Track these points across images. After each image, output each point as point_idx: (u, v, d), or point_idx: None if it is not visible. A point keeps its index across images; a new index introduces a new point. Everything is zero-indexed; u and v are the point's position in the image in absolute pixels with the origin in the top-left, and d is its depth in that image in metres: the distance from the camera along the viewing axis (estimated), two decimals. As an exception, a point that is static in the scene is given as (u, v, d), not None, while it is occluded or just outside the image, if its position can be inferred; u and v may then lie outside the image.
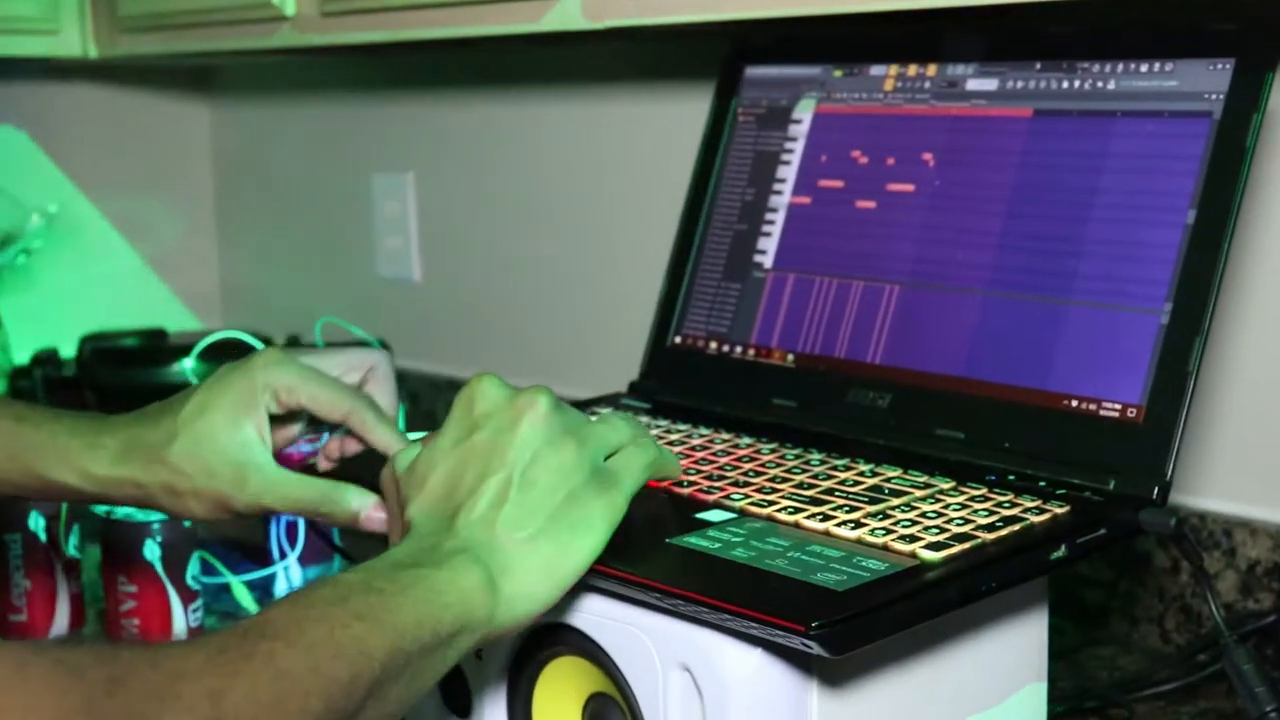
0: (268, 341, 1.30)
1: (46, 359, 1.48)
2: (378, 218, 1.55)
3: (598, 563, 0.65)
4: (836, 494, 0.73)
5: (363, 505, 0.74)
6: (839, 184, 0.90)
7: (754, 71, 0.96)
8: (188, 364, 1.32)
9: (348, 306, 1.58)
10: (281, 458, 0.78)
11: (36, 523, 1.06)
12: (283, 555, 1.15)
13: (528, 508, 0.64)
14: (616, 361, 1.06)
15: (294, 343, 1.48)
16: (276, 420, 0.77)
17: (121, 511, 1.03)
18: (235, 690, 0.50)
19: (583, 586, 0.66)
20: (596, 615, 0.68)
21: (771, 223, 0.93)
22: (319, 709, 0.53)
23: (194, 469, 0.74)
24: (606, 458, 0.67)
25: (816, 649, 0.58)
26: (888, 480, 0.75)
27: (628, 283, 1.27)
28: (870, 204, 0.88)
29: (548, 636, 0.71)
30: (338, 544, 1.00)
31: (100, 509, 1.03)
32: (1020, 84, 0.83)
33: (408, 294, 1.53)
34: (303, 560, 1.15)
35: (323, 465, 0.80)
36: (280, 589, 1.14)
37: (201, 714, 0.48)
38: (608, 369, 1.10)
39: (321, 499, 0.74)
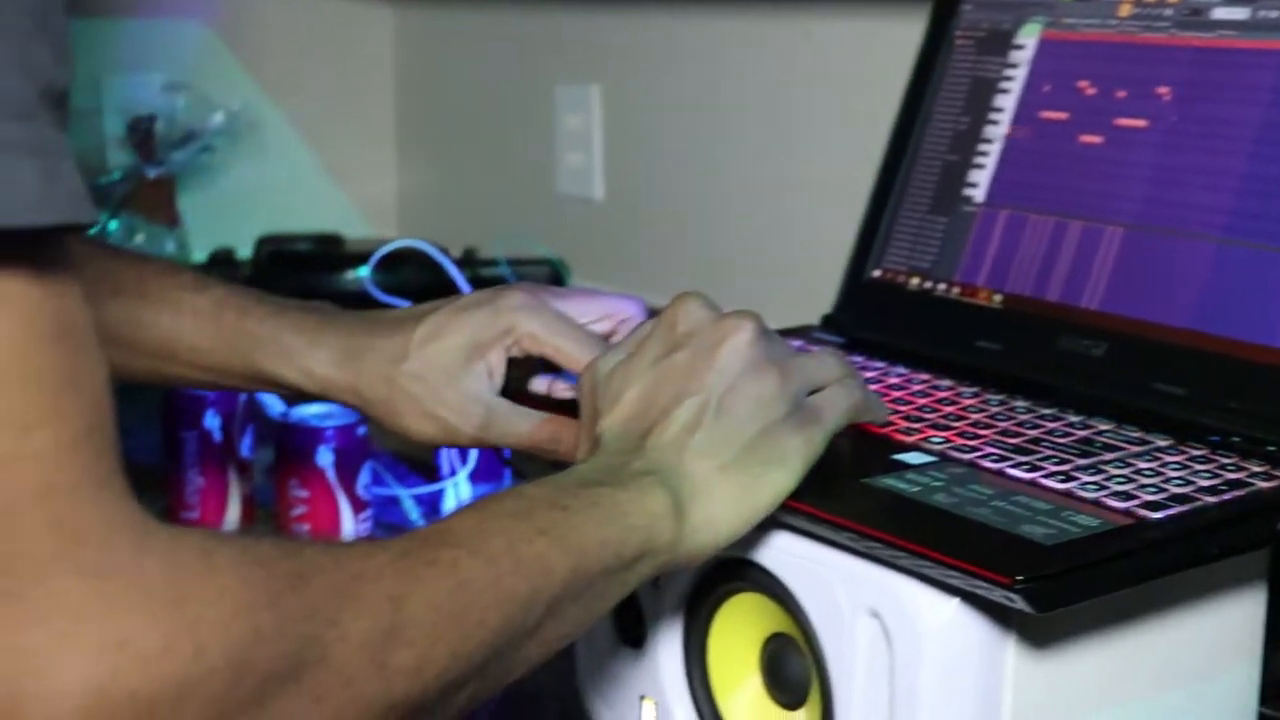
0: (444, 252, 1.32)
1: (223, 259, 1.53)
2: (560, 132, 1.56)
3: (789, 499, 0.65)
4: (1044, 444, 0.72)
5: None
6: (1062, 116, 0.87)
7: (976, -9, 0.93)
8: (364, 272, 1.34)
9: (526, 223, 1.59)
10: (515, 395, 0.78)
11: (212, 422, 1.09)
12: (452, 471, 1.17)
13: (722, 435, 0.63)
14: (807, 293, 1.05)
15: (470, 256, 1.50)
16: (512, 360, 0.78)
17: (297, 415, 1.06)
18: (415, 596, 0.50)
19: (771, 522, 0.66)
20: (784, 553, 0.67)
21: (985, 154, 0.90)
22: (497, 623, 0.53)
23: (421, 393, 0.75)
24: (810, 394, 0.66)
25: (1020, 604, 0.57)
26: (1100, 433, 0.73)
27: (823, 211, 1.26)
28: (1096, 139, 0.85)
29: (730, 571, 0.71)
30: (509, 459, 1.02)
31: (276, 412, 1.06)
32: (1275, 14, 0.79)
33: (589, 213, 1.54)
34: (473, 477, 1.17)
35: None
36: (449, 507, 1.16)
37: (381, 617, 0.48)
38: (798, 300, 1.09)
39: (552, 439, 0.75)
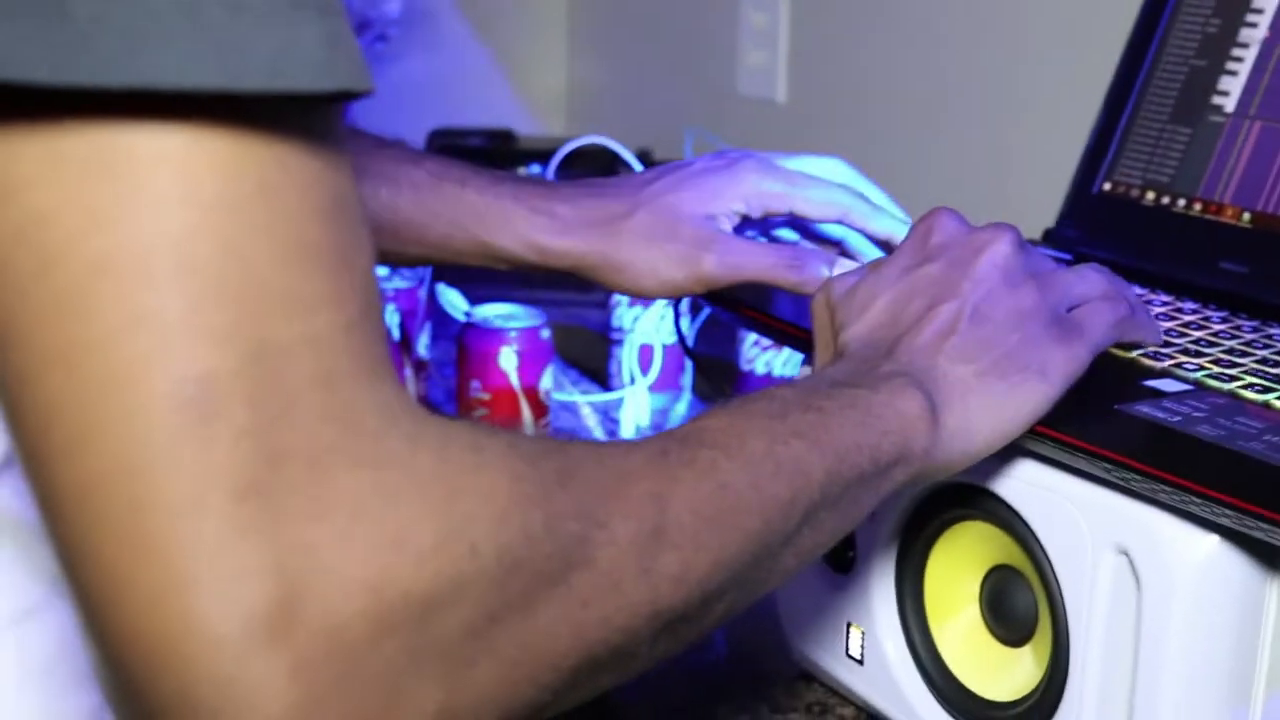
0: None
1: (393, 152, 1.52)
2: (743, 27, 1.52)
3: (1035, 424, 0.62)
4: (1311, 376, 0.68)
5: (832, 266, 0.75)
6: (1333, 18, 0.82)
7: (1238, -121, 0.88)
8: (549, 170, 1.33)
9: (703, 124, 1.56)
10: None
11: (390, 319, 1.09)
12: (631, 380, 1.16)
13: (978, 340, 0.61)
14: (1024, 205, 1.01)
15: (645, 156, 1.48)
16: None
17: (480, 316, 1.05)
18: (677, 496, 0.49)
19: (1011, 448, 0.63)
20: (1022, 481, 0.65)
21: (1239, 60, 0.85)
22: (756, 527, 0.52)
23: (654, 234, 0.76)
24: (1072, 310, 0.64)
25: (1304, 545, 0.54)
26: (1372, 366, 0.69)
27: (1041, 116, 1.21)
28: (1372, 44, 0.80)
29: (956, 497, 0.69)
30: (693, 375, 1.00)
31: (461, 313, 1.06)
32: None
33: (771, 115, 1.51)
34: (653, 387, 1.16)
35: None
36: (626, 415, 1.15)
37: (646, 517, 0.47)
38: (1013, 213, 1.05)
39: (786, 263, 0.76)
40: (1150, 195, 0.88)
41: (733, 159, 0.80)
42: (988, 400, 0.60)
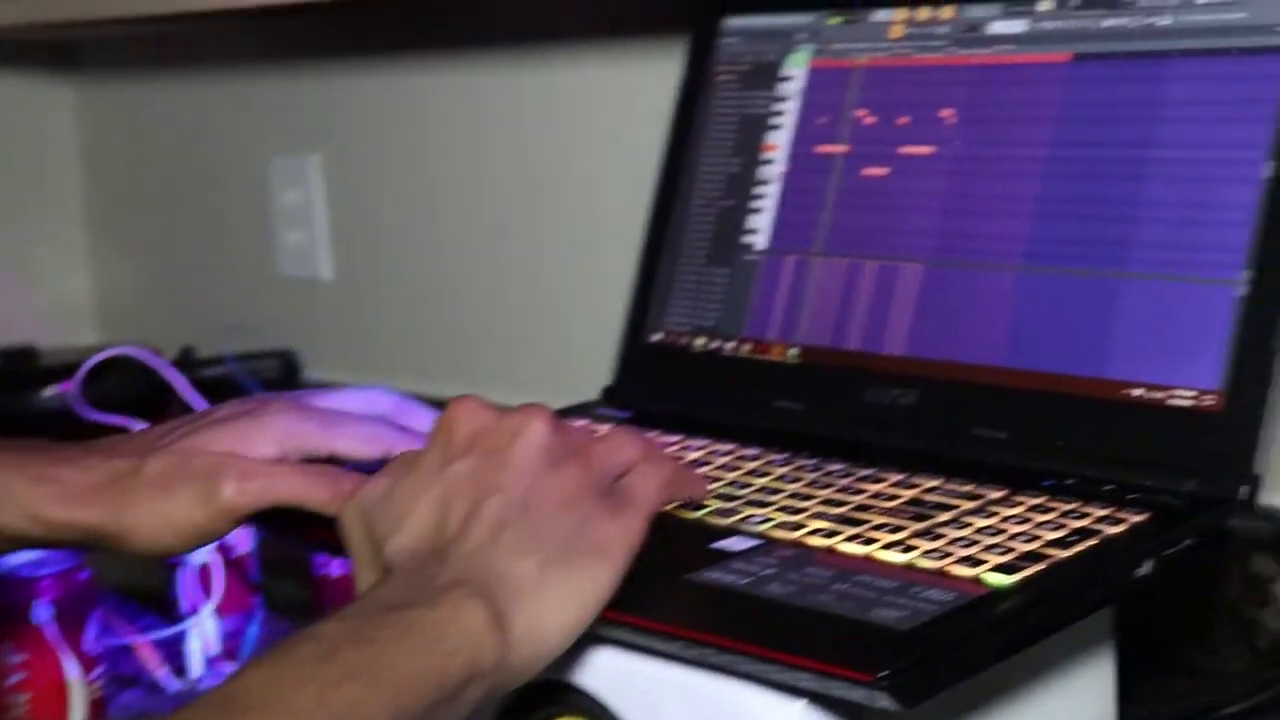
0: (158, 354, 1.24)
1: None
2: (277, 208, 1.49)
3: (607, 609, 0.60)
4: (872, 511, 0.69)
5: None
6: (842, 149, 0.86)
7: (734, 22, 0.92)
8: (68, 387, 1.25)
9: (247, 312, 1.51)
10: None
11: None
12: (194, 608, 1.09)
13: (533, 530, 0.60)
14: (581, 366, 1.01)
15: (188, 355, 1.42)
16: None
17: (3, 566, 0.97)
18: None
19: (587, 637, 0.62)
20: (605, 671, 0.63)
21: (762, 197, 0.89)
22: None
23: (167, 481, 0.72)
24: (617, 479, 0.63)
25: (886, 701, 0.54)
26: (928, 491, 0.72)
27: (590, 275, 1.22)
28: (881, 171, 0.84)
29: (544, 697, 0.66)
30: (259, 584, 0.95)
31: (-23, 564, 0.97)
32: (1055, 24, 0.79)
33: (317, 294, 1.47)
34: (220, 610, 1.09)
35: None
36: (194, 647, 1.08)
37: None
38: (571, 375, 1.06)
39: (316, 482, 0.72)
40: (700, 341, 0.89)
41: (262, 400, 0.77)
42: (553, 593, 0.59)
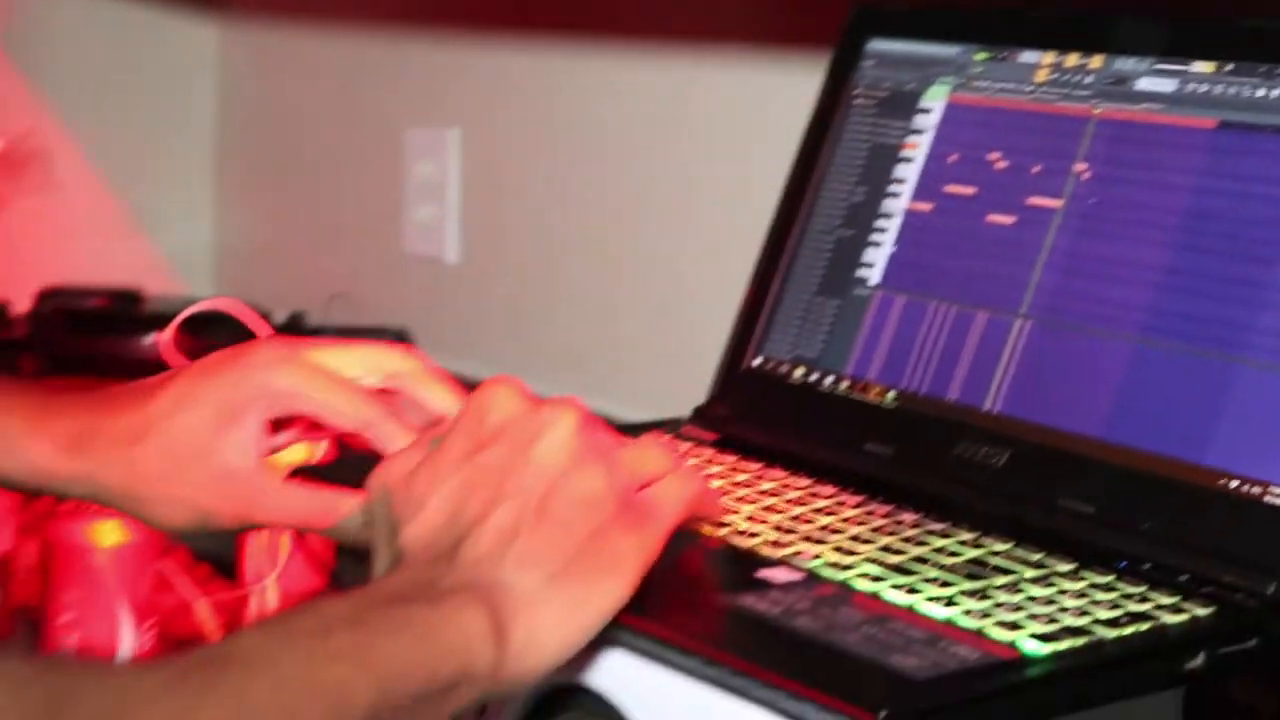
0: (265, 317, 1.33)
1: (-6, 313, 1.52)
2: (409, 181, 1.58)
3: (632, 616, 0.66)
4: (929, 564, 0.75)
5: None
6: (970, 190, 0.91)
7: (878, 45, 0.97)
8: (165, 336, 1.35)
9: (364, 285, 1.60)
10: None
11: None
12: (259, 576, 1.17)
13: (544, 543, 0.65)
14: (680, 380, 1.07)
15: (297, 321, 1.51)
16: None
17: (69, 504, 1.06)
18: None
19: (609, 641, 0.68)
20: (622, 678, 0.69)
21: (883, 231, 0.94)
22: None
23: (166, 472, 0.76)
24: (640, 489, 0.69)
25: (885, 743, 0.59)
26: (993, 554, 0.76)
27: (702, 286, 1.29)
28: (1006, 219, 0.89)
29: (564, 699, 0.73)
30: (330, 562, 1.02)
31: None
32: (1204, 88, 0.83)
33: (439, 276, 1.56)
34: (285, 582, 1.17)
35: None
36: (251, 614, 1.16)
37: None
38: (668, 388, 1.12)
39: (323, 513, 0.77)
40: (799, 372, 0.95)
41: (245, 353, 0.78)
42: (560, 607, 0.64)
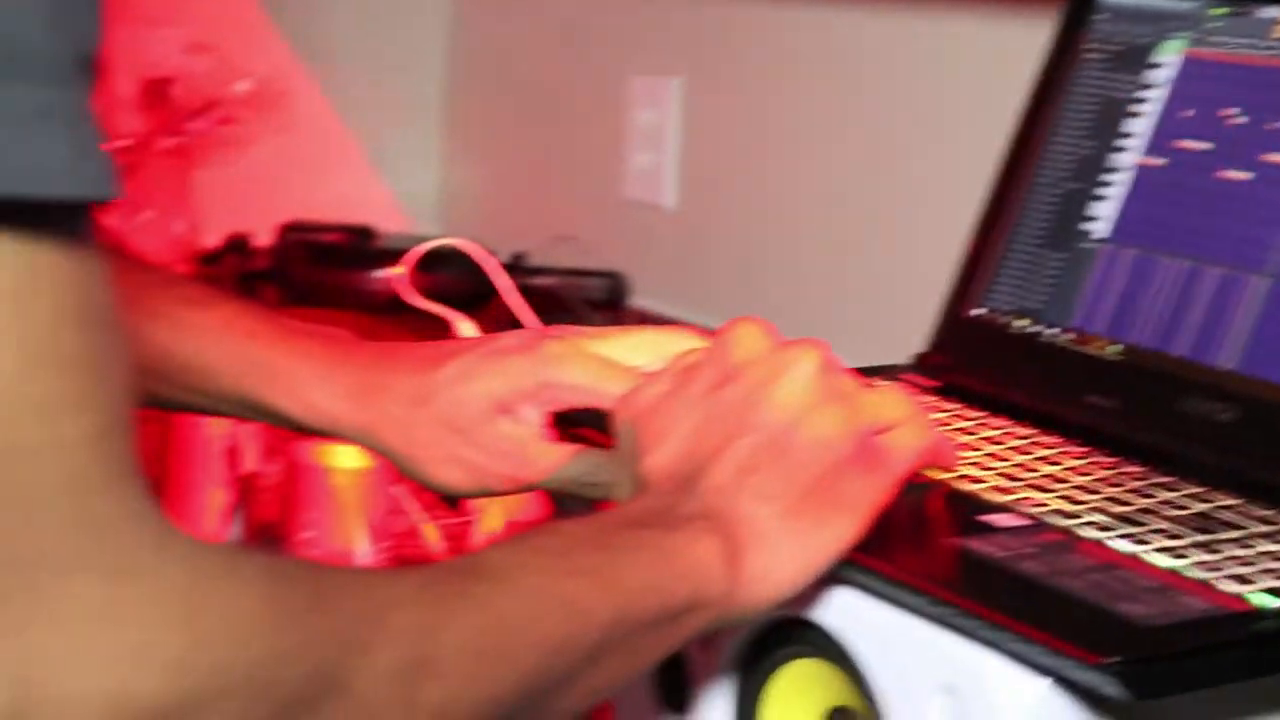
0: (491, 254, 1.36)
1: (238, 245, 1.58)
2: (631, 128, 1.60)
3: (859, 554, 0.68)
4: (1156, 516, 0.74)
5: None
6: (1204, 147, 0.90)
7: (1113, -1, 0.97)
8: (402, 271, 1.39)
9: (585, 229, 1.63)
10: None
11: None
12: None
13: (782, 477, 0.66)
14: (899, 328, 1.08)
15: (519, 262, 1.54)
16: None
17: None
18: (445, 629, 0.54)
19: (837, 579, 0.69)
20: (849, 615, 0.70)
21: (1112, 185, 0.93)
22: (530, 664, 0.57)
23: (445, 438, 0.78)
24: (877, 434, 0.70)
25: (1114, 687, 0.60)
26: (1222, 509, 0.76)
27: (923, 236, 1.29)
28: (1243, 175, 0.88)
29: (788, 633, 0.74)
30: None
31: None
32: None
33: (657, 221, 1.58)
34: (510, 511, 1.21)
35: None
36: (477, 539, 1.20)
37: (408, 647, 0.52)
38: (888, 335, 1.12)
39: (596, 472, 0.78)
40: (1022, 322, 0.95)
41: (539, 344, 0.79)
42: (792, 542, 0.66)
